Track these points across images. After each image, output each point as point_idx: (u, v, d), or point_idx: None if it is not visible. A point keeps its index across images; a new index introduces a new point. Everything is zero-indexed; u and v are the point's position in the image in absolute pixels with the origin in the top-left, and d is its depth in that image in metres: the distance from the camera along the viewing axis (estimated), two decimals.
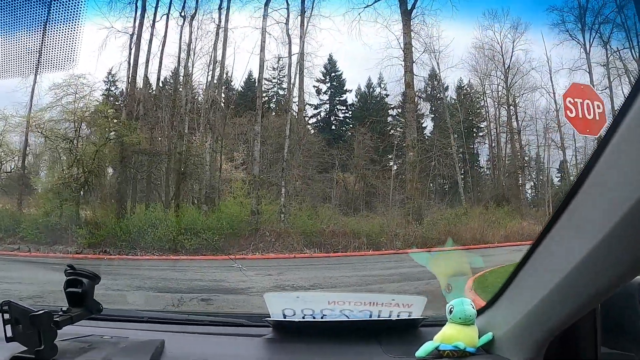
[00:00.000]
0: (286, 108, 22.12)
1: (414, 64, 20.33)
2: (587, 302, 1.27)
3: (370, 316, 1.96)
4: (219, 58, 20.89)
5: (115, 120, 20.57)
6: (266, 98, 23.66)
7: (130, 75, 20.94)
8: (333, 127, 24.18)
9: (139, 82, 20.99)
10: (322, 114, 24.29)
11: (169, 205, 20.29)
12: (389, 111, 23.44)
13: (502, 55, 21.69)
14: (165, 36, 20.77)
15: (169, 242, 18.00)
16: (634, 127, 0.98)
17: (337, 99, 24.27)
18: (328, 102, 24.18)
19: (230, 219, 19.48)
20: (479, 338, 1.74)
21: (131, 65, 20.76)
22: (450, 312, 1.79)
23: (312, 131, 23.75)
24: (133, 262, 16.53)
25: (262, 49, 20.58)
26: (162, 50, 20.91)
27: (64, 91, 20.05)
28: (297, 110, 21.94)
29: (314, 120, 24.25)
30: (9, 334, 1.47)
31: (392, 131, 23.33)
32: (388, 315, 1.94)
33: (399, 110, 22.97)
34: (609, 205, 1.05)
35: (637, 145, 0.98)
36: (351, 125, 23.66)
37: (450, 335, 1.72)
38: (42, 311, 1.42)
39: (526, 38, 20.81)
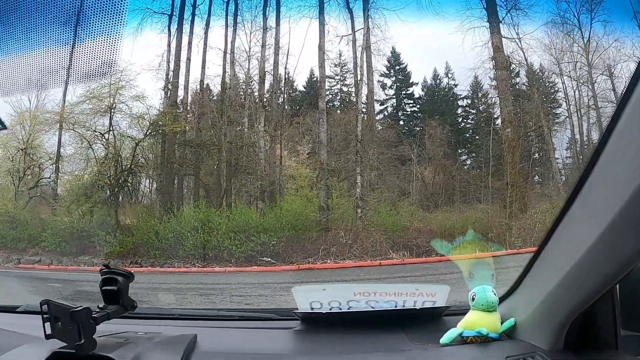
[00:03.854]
0: (356, 82, 16.01)
1: (500, 24, 14.85)
2: (601, 284, 1.13)
3: (396, 306, 1.78)
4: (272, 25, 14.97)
5: (156, 110, 14.98)
6: (330, 96, 18.70)
7: (171, 60, 15.37)
8: (401, 122, 19.04)
9: (182, 67, 15.38)
10: (389, 109, 19.25)
11: (220, 204, 14.03)
12: (459, 102, 18.87)
13: (580, 29, 16.01)
14: (209, 15, 15.38)
15: (213, 249, 12.73)
16: (635, 114, 0.90)
17: (404, 92, 19.19)
18: (394, 96, 19.10)
19: (292, 217, 13.19)
20: (501, 324, 1.55)
21: (172, 48, 15.34)
22: (473, 299, 1.60)
23: (380, 127, 18.60)
24: (163, 276, 11.70)
25: (322, 11, 14.62)
26: (207, 30, 15.39)
27: (96, 82, 14.42)
28: (367, 92, 16.37)
29: (380, 116, 19.10)
30: (48, 331, 1.29)
31: (462, 122, 18.98)
32: (413, 304, 1.76)
33: (469, 101, 18.77)
34: (615, 191, 0.95)
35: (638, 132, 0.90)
36: (419, 120, 18.72)
37: (473, 322, 1.55)
38: (82, 307, 1.29)
39: (605, 6, 15.02)
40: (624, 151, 0.92)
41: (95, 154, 14.52)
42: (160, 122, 14.49)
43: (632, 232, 0.94)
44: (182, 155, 14.84)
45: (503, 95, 15.07)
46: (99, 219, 13.58)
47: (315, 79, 17.87)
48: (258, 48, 15.25)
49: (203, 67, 15.41)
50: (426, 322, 1.71)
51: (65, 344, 1.29)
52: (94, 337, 1.30)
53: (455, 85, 18.54)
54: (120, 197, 14.52)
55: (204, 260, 12.46)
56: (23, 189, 14.63)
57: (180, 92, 15.13)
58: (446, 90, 18.95)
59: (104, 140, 14.39)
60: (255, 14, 15.11)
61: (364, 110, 16.20)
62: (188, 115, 15.21)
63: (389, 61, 18.45)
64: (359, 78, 15.64)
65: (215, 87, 15.78)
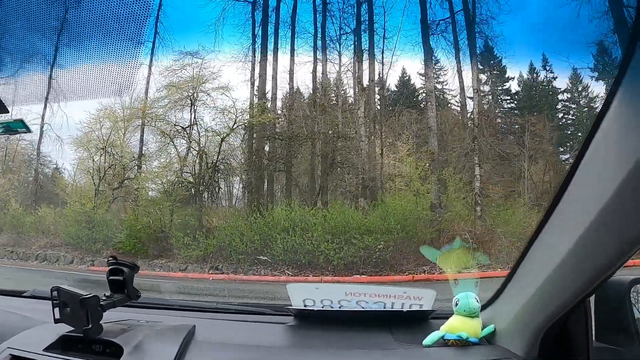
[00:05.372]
0: (459, 66, 13.26)
1: None
2: (573, 294, 1.12)
3: (384, 307, 1.75)
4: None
5: (242, 103, 12.75)
6: (423, 94, 15.74)
7: (257, 50, 13.33)
8: (499, 119, 16.40)
9: (269, 56, 13.20)
10: (485, 106, 16.27)
11: (314, 202, 11.52)
12: (559, 96, 16.03)
13: None
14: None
15: (307, 254, 10.12)
16: (611, 126, 0.88)
17: (499, 88, 16.48)
18: (490, 93, 16.45)
19: (401, 216, 10.25)
20: (482, 330, 1.53)
21: (257, 36, 13.27)
22: (456, 304, 1.56)
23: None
24: (246, 285, 9.78)
25: None
26: (294, 16, 13.30)
27: (175, 75, 12.86)
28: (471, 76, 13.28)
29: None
30: (57, 316, 1.32)
31: (563, 118, 16.19)
32: (400, 307, 1.73)
33: (568, 95, 15.95)
34: (588, 204, 0.95)
35: (613, 145, 0.88)
36: (517, 116, 15.98)
37: (454, 326, 1.52)
38: (91, 294, 1.31)
39: None
40: (596, 165, 0.92)
41: (178, 150, 12.70)
42: (247, 115, 12.59)
43: (602, 245, 0.94)
44: (272, 149, 12.57)
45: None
46: (179, 219, 11.50)
47: (407, 77, 15.82)
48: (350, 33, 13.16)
49: (292, 54, 13.10)
50: (412, 324, 1.68)
51: (72, 328, 1.31)
52: (100, 323, 1.31)
53: (555, 78, 15.91)
54: (205, 196, 12.54)
55: (296, 267, 9.99)
56: (103, 188, 13.07)
57: (268, 83, 13.07)
58: (544, 84, 16.21)
59: (186, 135, 12.59)
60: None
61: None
62: (277, 107, 13.11)
63: (482, 55, 15.46)
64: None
65: (306, 75, 13.47)
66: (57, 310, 1.29)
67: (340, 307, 1.74)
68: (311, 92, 12.91)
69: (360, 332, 1.62)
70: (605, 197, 0.87)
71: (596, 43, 12.42)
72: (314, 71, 12.92)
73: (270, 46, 13.24)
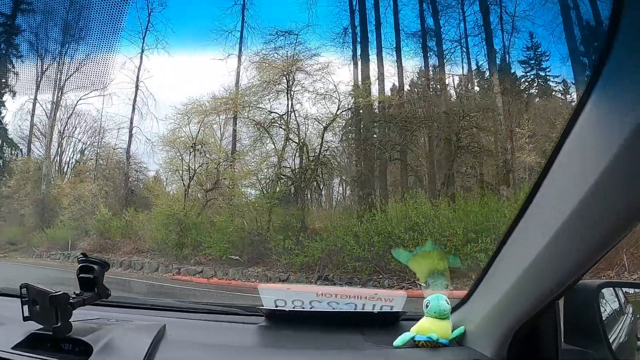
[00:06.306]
0: None
1: None
2: (542, 296, 1.09)
3: (355, 308, 1.72)
4: None
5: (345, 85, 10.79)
6: (526, 83, 13.79)
7: (357, 25, 11.34)
8: None
9: (370, 34, 11.26)
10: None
11: (439, 194, 9.15)
12: None
13: None
14: None
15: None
16: (584, 129, 0.84)
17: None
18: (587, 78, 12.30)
19: None
20: (452, 331, 1.46)
21: (356, 11, 11.33)
22: (427, 306, 1.51)
23: None
24: None
25: None
26: None
27: (267, 59, 11.18)
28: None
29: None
30: (26, 313, 1.25)
31: None
32: (371, 308, 1.70)
33: None
34: (558, 207, 0.90)
35: (585, 149, 0.84)
36: None
37: (425, 327, 1.45)
38: (61, 292, 1.23)
39: None
40: (569, 167, 0.88)
41: (274, 142, 10.93)
42: (352, 98, 10.55)
43: (571, 248, 0.91)
44: (383, 135, 10.42)
45: None
46: (278, 219, 9.73)
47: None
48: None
49: (396, 27, 11.15)
50: (383, 325, 1.64)
51: (42, 327, 1.26)
52: (69, 321, 1.25)
53: None
54: (308, 193, 10.62)
55: None
56: (194, 189, 11.61)
57: (373, 60, 11.02)
58: None
59: (283, 123, 10.75)
60: None
61: None
62: (385, 88, 10.94)
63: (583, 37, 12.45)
64: None
65: (416, 50, 11.24)
66: (26, 307, 1.21)
67: (311, 308, 1.71)
68: (422, 68, 10.56)
69: (331, 332, 1.55)
70: (575, 202, 0.83)
71: None
72: (424, 37, 10.63)
73: (372, 21, 11.25)
